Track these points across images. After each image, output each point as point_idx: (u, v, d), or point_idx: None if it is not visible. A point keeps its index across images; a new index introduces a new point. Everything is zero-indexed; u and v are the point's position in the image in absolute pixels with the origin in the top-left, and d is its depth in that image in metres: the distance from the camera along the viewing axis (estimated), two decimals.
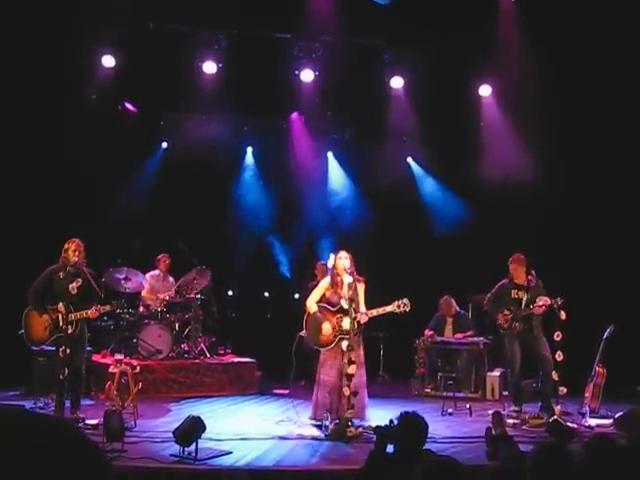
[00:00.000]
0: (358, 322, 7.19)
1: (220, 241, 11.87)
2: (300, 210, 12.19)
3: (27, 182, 10.06)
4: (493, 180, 10.61)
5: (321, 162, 12.74)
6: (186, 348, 9.98)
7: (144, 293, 10.05)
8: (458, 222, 11.40)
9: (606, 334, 8.25)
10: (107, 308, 7.28)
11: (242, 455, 6.02)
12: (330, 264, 7.55)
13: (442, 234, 11.53)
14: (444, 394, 9.31)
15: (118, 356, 8.34)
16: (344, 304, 7.06)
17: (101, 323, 9.41)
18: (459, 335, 10.11)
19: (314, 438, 6.82)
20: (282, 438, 6.80)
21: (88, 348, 8.03)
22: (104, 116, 10.74)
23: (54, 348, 7.35)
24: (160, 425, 7.15)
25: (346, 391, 6.75)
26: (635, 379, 8.32)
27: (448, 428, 7.39)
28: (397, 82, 11.30)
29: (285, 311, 11.65)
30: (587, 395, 8.14)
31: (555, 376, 7.51)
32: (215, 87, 10.83)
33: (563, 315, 7.46)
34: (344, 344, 6.91)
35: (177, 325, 9.89)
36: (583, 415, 7.71)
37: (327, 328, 7.28)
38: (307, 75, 11.07)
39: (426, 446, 4.38)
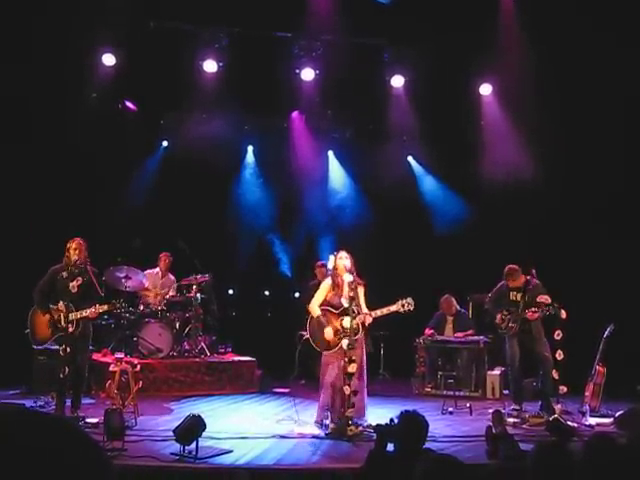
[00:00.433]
0: (363, 324, 7.18)
1: (220, 240, 11.87)
2: (300, 209, 12.19)
3: (28, 181, 10.06)
4: (493, 179, 10.61)
5: (321, 161, 12.74)
6: (186, 347, 9.98)
7: (143, 291, 10.04)
8: (458, 221, 11.41)
9: (606, 333, 8.25)
10: (105, 308, 7.25)
11: (242, 454, 6.02)
12: (330, 265, 7.54)
13: (442, 233, 11.53)
14: (444, 393, 9.31)
15: (118, 355, 8.34)
16: (344, 302, 7.06)
17: (102, 322, 9.40)
18: (459, 334, 10.11)
19: (314, 437, 6.83)
20: (282, 437, 6.80)
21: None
22: (105, 115, 10.74)
23: (58, 347, 7.34)
24: (160, 424, 7.15)
25: (347, 390, 6.75)
26: (635, 378, 8.33)
27: (448, 427, 7.40)
28: (398, 81, 11.30)
29: (285, 310, 11.66)
30: (587, 394, 8.14)
31: (555, 375, 7.52)
32: (216, 86, 10.83)
33: (563, 314, 7.47)
34: (344, 342, 6.90)
35: (177, 324, 9.89)
36: (583, 414, 7.71)
37: (329, 333, 7.26)
38: (308, 74, 11.07)
39: (426, 445, 4.39)
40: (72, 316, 7.13)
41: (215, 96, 10.86)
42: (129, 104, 11.35)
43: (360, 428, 6.88)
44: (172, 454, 5.81)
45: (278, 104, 11.44)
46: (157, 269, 10.37)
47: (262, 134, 12.30)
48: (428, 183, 12.51)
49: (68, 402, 7.27)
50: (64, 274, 7.22)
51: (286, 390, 9.64)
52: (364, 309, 7.30)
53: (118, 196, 10.91)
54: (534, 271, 8.24)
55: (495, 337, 9.39)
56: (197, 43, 10.55)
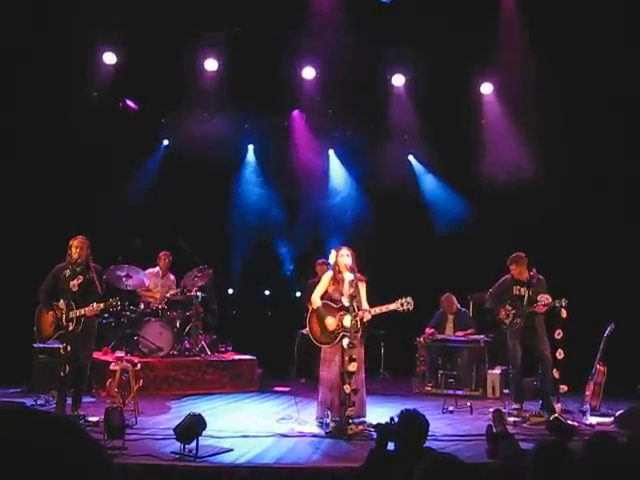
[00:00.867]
0: (361, 320, 7.18)
1: (221, 239, 11.88)
2: (301, 208, 12.18)
3: (28, 180, 10.07)
4: (494, 178, 10.61)
5: (322, 160, 12.73)
6: (187, 345, 9.97)
7: (141, 290, 10.04)
8: (459, 220, 11.41)
9: (607, 332, 8.26)
10: (101, 306, 7.24)
11: (243, 452, 6.03)
12: (331, 260, 7.53)
13: (443, 232, 11.53)
14: (445, 392, 9.31)
15: (119, 353, 8.36)
16: (345, 301, 7.06)
17: (102, 320, 9.40)
18: (460, 333, 10.11)
19: (315, 436, 6.83)
20: (283, 435, 6.81)
21: None
22: (105, 113, 10.74)
23: (59, 345, 7.34)
24: (161, 422, 7.16)
25: (347, 389, 6.75)
26: (635, 377, 8.33)
27: (449, 426, 7.40)
28: (398, 80, 11.30)
29: (286, 309, 11.66)
30: (588, 393, 8.14)
31: (556, 374, 7.52)
32: (216, 85, 10.83)
33: (564, 313, 7.47)
34: (345, 341, 6.90)
35: (178, 322, 9.88)
36: (584, 413, 7.71)
37: (331, 322, 7.26)
38: (308, 73, 11.07)
39: (427, 444, 4.39)
40: (72, 314, 7.13)
41: (216, 95, 10.86)
42: (130, 103, 11.35)
43: (360, 427, 6.88)
44: (172, 453, 5.82)
45: (279, 103, 11.43)
46: (157, 268, 10.37)
47: (263, 133, 12.30)
48: (429, 182, 12.51)
49: (68, 401, 7.27)
50: (67, 272, 7.22)
51: (286, 389, 9.65)
52: (365, 305, 7.30)
53: (119, 195, 10.91)
54: (534, 270, 8.24)
55: (496, 336, 9.39)
56: (198, 42, 10.55)
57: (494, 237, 10.37)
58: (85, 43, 9.98)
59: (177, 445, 5.83)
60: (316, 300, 7.50)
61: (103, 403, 7.33)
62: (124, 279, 9.41)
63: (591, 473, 3.17)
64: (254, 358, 10.16)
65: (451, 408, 8.28)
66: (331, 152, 12.84)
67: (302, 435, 6.87)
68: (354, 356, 6.83)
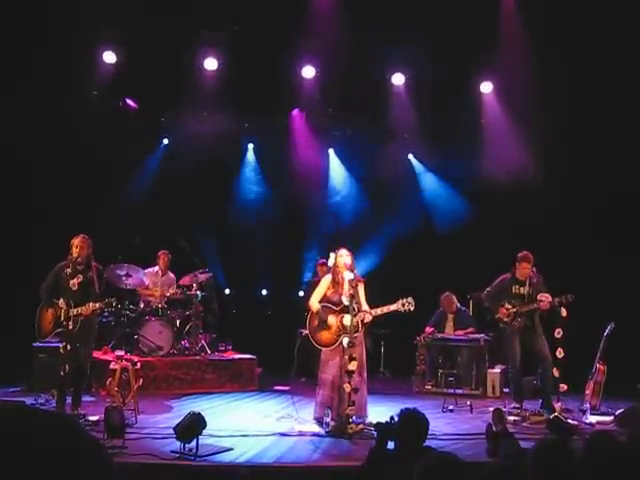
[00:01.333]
0: (362, 321, 7.18)
1: (221, 237, 11.88)
2: (301, 207, 12.18)
3: (29, 179, 10.07)
4: (494, 177, 10.60)
5: (322, 159, 12.73)
6: (187, 345, 9.97)
7: (140, 289, 10.05)
8: (459, 219, 11.40)
9: (607, 331, 8.26)
10: (97, 306, 7.23)
11: (243, 451, 6.03)
12: (331, 263, 7.53)
13: (443, 231, 11.53)
14: (445, 391, 9.30)
15: (119, 352, 8.36)
16: (345, 300, 7.06)
17: (102, 319, 9.39)
18: (460, 332, 10.11)
19: (315, 435, 6.83)
20: (283, 435, 6.80)
21: None
22: (105, 113, 10.74)
23: (59, 343, 7.34)
24: (161, 421, 7.16)
25: (347, 388, 6.75)
26: (636, 376, 8.33)
27: (449, 425, 7.40)
28: (398, 79, 11.29)
29: (286, 308, 11.66)
30: (588, 392, 8.14)
31: (556, 373, 7.53)
32: (216, 84, 10.82)
33: (564, 312, 7.47)
34: (345, 341, 6.91)
35: (178, 322, 9.88)
36: (584, 412, 7.71)
37: (332, 321, 7.25)
38: (308, 72, 11.07)
39: (427, 443, 4.39)
40: (70, 313, 7.13)
41: (215, 94, 10.84)
42: (130, 102, 11.35)
43: (360, 426, 6.89)
44: (172, 452, 5.82)
45: (279, 102, 11.42)
46: (157, 267, 10.36)
47: (262, 132, 12.29)
48: (428, 181, 12.51)
49: (68, 400, 7.27)
50: (68, 271, 7.22)
51: (286, 388, 9.64)
52: (364, 306, 7.30)
53: (119, 194, 10.91)
54: (534, 269, 8.25)
55: (496, 335, 9.39)
56: (198, 41, 10.54)
57: (494, 236, 10.37)
58: (85, 42, 9.98)
59: (177, 444, 5.83)
60: (314, 304, 7.50)
61: (103, 402, 7.33)
62: (124, 278, 9.41)
63: (591, 472, 3.17)
64: (254, 357, 10.16)
65: (451, 407, 8.28)
66: (331, 151, 12.85)
67: (302, 434, 6.86)
68: (354, 355, 6.83)
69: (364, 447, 5.40)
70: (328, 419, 6.94)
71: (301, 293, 11.65)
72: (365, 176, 12.26)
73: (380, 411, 7.23)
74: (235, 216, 12.33)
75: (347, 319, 6.94)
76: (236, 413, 8.02)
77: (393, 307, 7.12)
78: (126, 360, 7.82)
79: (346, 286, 7.19)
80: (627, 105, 9.77)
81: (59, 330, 7.25)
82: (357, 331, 7.09)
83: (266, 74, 10.35)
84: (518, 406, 8.11)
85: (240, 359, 10.15)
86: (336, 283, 7.41)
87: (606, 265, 9.91)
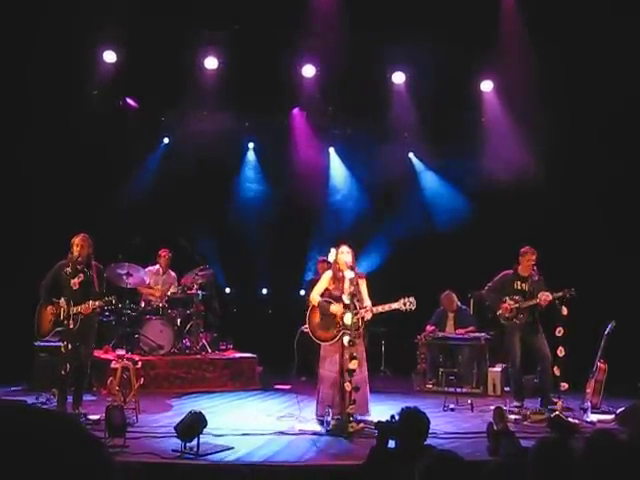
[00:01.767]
0: (362, 318, 7.18)
1: (221, 237, 11.88)
2: (302, 206, 12.17)
3: (29, 178, 10.07)
4: (494, 176, 10.59)
5: (323, 158, 12.73)
6: (188, 343, 9.98)
7: (141, 288, 10.05)
8: (459, 218, 11.40)
9: (607, 330, 8.26)
10: (96, 304, 7.24)
11: (243, 450, 6.02)
12: (331, 259, 7.52)
13: (443, 230, 11.53)
14: (445, 390, 9.30)
15: (120, 351, 8.37)
16: (345, 299, 7.05)
17: (103, 319, 9.41)
18: (460, 330, 10.11)
19: (316, 433, 6.83)
20: (284, 433, 6.80)
21: None
22: (106, 112, 10.74)
23: (59, 343, 7.34)
24: (162, 420, 7.16)
25: (347, 386, 6.75)
26: (636, 375, 8.33)
27: (449, 423, 7.40)
28: (399, 78, 11.29)
29: (286, 306, 11.66)
30: (588, 391, 8.14)
31: (557, 371, 7.52)
32: (216, 83, 10.82)
33: (564, 311, 7.47)
34: (345, 339, 6.90)
35: (179, 321, 9.89)
36: (584, 411, 7.71)
37: (336, 308, 7.23)
38: (308, 70, 11.06)
39: (427, 441, 4.39)
40: (71, 311, 7.13)
41: (216, 93, 10.84)
42: (130, 101, 11.35)
43: (361, 425, 6.88)
44: (173, 451, 5.82)
45: (279, 101, 11.42)
46: (157, 266, 10.37)
47: (263, 131, 12.30)
48: (429, 180, 12.51)
49: (69, 399, 7.28)
50: (68, 270, 7.22)
51: (287, 387, 9.65)
52: (367, 302, 7.30)
53: (119, 193, 10.91)
54: (535, 268, 8.25)
55: (496, 334, 9.39)
56: (198, 40, 10.54)
57: (494, 235, 10.37)
58: (85, 42, 9.97)
59: (178, 443, 5.83)
60: (315, 297, 7.51)
61: (104, 401, 7.32)
62: (124, 277, 9.41)
63: (592, 471, 3.17)
64: (255, 356, 10.17)
65: (452, 406, 8.28)
66: (331, 150, 12.85)
67: (303, 433, 6.86)
68: (355, 354, 6.83)
69: (365, 446, 5.40)
70: (329, 418, 6.94)
71: (302, 292, 11.64)
72: (366, 175, 12.26)
73: (381, 410, 7.22)
74: (235, 215, 12.34)
75: (348, 317, 6.93)
76: (237, 412, 8.02)
77: (395, 305, 7.11)
78: (127, 359, 7.83)
79: (347, 284, 7.19)
80: (627, 103, 9.76)
81: (59, 329, 7.26)
82: (357, 329, 7.08)
83: (266, 73, 10.34)
84: (519, 405, 8.11)
85: (241, 358, 10.15)
86: (337, 280, 7.41)
87: (607, 264, 9.91)
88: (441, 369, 9.82)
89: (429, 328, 10.19)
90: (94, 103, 10.60)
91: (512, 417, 7.54)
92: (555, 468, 3.15)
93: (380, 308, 7.23)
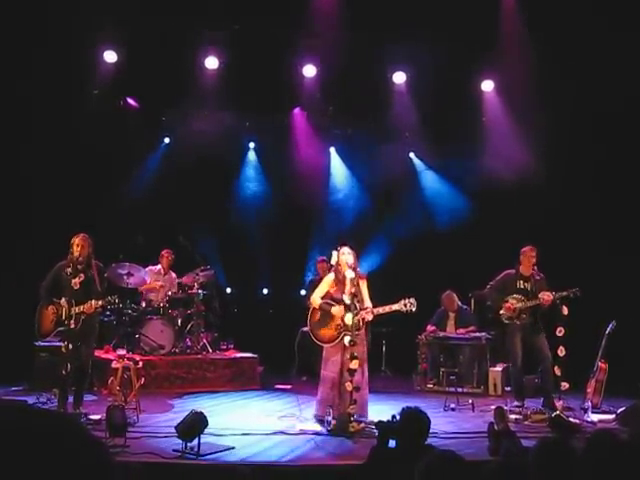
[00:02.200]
0: (363, 319, 7.18)
1: (222, 236, 11.88)
2: (302, 205, 12.17)
3: (30, 178, 10.08)
4: (495, 175, 10.59)
5: (323, 157, 12.73)
6: (188, 343, 9.98)
7: (142, 287, 10.05)
8: (460, 217, 11.40)
9: (608, 330, 8.25)
10: (99, 303, 7.24)
11: (244, 450, 6.03)
12: (333, 260, 7.53)
13: (444, 229, 11.53)
14: (446, 389, 9.32)
15: (120, 351, 8.36)
16: (346, 299, 7.05)
17: (104, 319, 9.41)
18: (461, 330, 10.11)
19: (316, 433, 6.83)
20: (284, 433, 6.80)
21: None
22: (106, 112, 10.74)
23: (60, 343, 7.34)
24: (162, 420, 7.16)
25: (348, 386, 6.75)
26: (637, 374, 8.32)
27: (450, 423, 7.40)
28: (399, 77, 11.29)
29: (287, 306, 11.66)
30: (589, 390, 8.14)
31: (557, 371, 7.52)
32: (217, 82, 10.82)
33: (565, 310, 7.47)
34: (346, 339, 6.90)
35: (179, 320, 9.89)
36: (585, 410, 7.71)
37: (337, 310, 7.23)
38: (309, 70, 11.06)
39: (428, 441, 4.39)
40: (72, 311, 7.13)
41: (216, 93, 10.85)
42: (131, 101, 11.35)
43: (362, 425, 6.88)
44: (174, 451, 5.81)
45: (280, 101, 11.42)
46: (159, 266, 10.37)
47: (263, 131, 12.30)
48: (430, 179, 12.51)
49: (70, 399, 7.28)
50: (68, 270, 7.22)
51: (288, 386, 9.66)
52: (368, 302, 7.30)
53: (120, 193, 10.92)
54: (536, 268, 8.25)
55: (497, 333, 9.38)
56: (198, 40, 10.54)
57: (495, 235, 10.37)
58: (86, 42, 9.97)
59: (179, 443, 5.83)
60: (316, 299, 7.51)
61: (105, 401, 7.33)
62: (125, 277, 9.42)
63: (593, 470, 3.17)
64: (255, 356, 10.16)
65: (453, 405, 8.27)
66: (332, 150, 12.86)
67: (304, 433, 6.86)
68: (355, 354, 6.82)
69: (366, 446, 5.41)
70: (329, 418, 6.94)
71: (303, 292, 11.64)
72: (366, 175, 12.27)
73: (381, 410, 7.22)
74: (236, 215, 12.34)
75: (349, 317, 6.93)
76: (238, 412, 8.02)
77: (395, 307, 7.11)
78: (128, 359, 7.83)
79: (348, 285, 7.18)
80: (627, 103, 9.76)
81: (60, 329, 7.26)
82: (358, 329, 7.08)
83: (267, 73, 10.34)
84: (520, 404, 8.11)
85: (242, 358, 10.15)
86: (339, 281, 7.40)
87: (607, 264, 9.91)
88: (442, 369, 9.82)
89: (430, 328, 10.19)
90: (95, 103, 10.60)
91: (513, 417, 7.53)
92: (556, 468, 3.15)
93: (381, 309, 7.23)
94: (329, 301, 7.40)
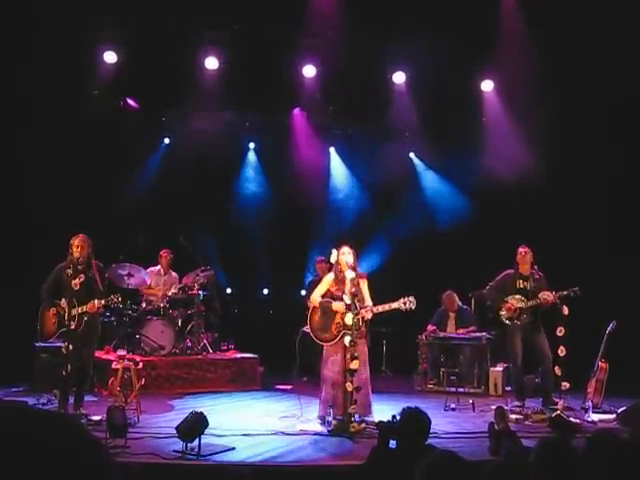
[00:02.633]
0: (363, 318, 7.18)
1: (222, 237, 11.88)
2: (302, 206, 12.17)
3: (30, 178, 10.08)
4: (495, 175, 10.59)
5: (323, 158, 12.73)
6: (189, 344, 9.98)
7: (142, 288, 10.05)
8: (460, 217, 11.40)
9: (609, 329, 8.25)
10: (102, 302, 7.24)
11: (245, 451, 6.03)
12: (333, 260, 7.52)
13: (444, 229, 11.52)
14: (447, 389, 9.31)
15: (121, 352, 8.35)
16: (346, 299, 7.04)
17: (104, 319, 9.40)
18: (461, 330, 10.11)
19: (317, 434, 6.83)
20: (285, 434, 6.80)
21: None
22: (106, 112, 10.74)
23: (61, 344, 7.34)
24: (163, 421, 7.16)
25: (349, 386, 6.75)
26: (637, 374, 8.32)
27: (451, 423, 7.39)
28: (399, 77, 11.29)
29: (287, 307, 11.66)
30: (590, 390, 8.14)
31: (558, 371, 7.52)
32: (217, 83, 10.82)
33: (566, 310, 7.47)
34: (347, 339, 6.90)
35: (180, 321, 9.89)
36: (586, 410, 7.70)
37: (338, 305, 7.22)
38: (309, 70, 11.06)
39: (428, 441, 4.39)
40: (74, 312, 7.13)
41: (217, 93, 10.85)
42: (131, 102, 11.35)
43: (363, 425, 6.88)
44: (175, 451, 5.82)
45: (280, 101, 11.43)
46: (158, 266, 10.36)
47: (263, 131, 12.30)
48: (430, 179, 12.51)
49: (71, 400, 7.28)
50: (69, 271, 7.22)
51: (289, 387, 9.65)
52: (368, 302, 7.30)
53: (120, 194, 10.91)
54: (535, 267, 8.26)
55: (497, 333, 9.38)
56: (199, 40, 10.54)
57: (495, 235, 10.36)
58: (86, 42, 9.97)
59: (179, 444, 5.83)
60: (316, 298, 7.51)
61: (105, 402, 7.33)
62: (126, 278, 9.42)
63: (593, 470, 3.17)
64: (256, 356, 10.16)
65: (453, 405, 8.27)
66: (332, 150, 12.85)
67: (304, 433, 6.86)
68: (356, 354, 6.82)
69: (366, 446, 5.40)
70: (330, 418, 6.94)
71: (303, 292, 11.64)
72: (366, 175, 12.26)
73: (382, 410, 7.22)
74: (236, 215, 12.34)
75: (349, 317, 6.92)
76: (238, 412, 8.02)
77: (395, 305, 7.12)
78: (128, 360, 7.83)
79: (348, 285, 7.18)
80: (628, 102, 9.76)
81: (63, 330, 7.26)
82: (358, 329, 7.08)
83: (267, 73, 10.34)
84: (520, 404, 8.11)
85: (242, 358, 10.15)
86: (339, 280, 7.40)
87: (608, 264, 9.91)
88: (442, 369, 9.82)
89: (430, 328, 10.18)
90: (95, 103, 10.60)
91: (513, 417, 7.53)
92: (556, 468, 3.15)
93: (380, 308, 7.23)
94: (329, 300, 7.40)
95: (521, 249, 8.33)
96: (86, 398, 7.56)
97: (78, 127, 10.05)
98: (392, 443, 4.47)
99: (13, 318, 8.96)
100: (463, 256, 10.67)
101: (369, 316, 7.22)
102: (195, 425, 5.83)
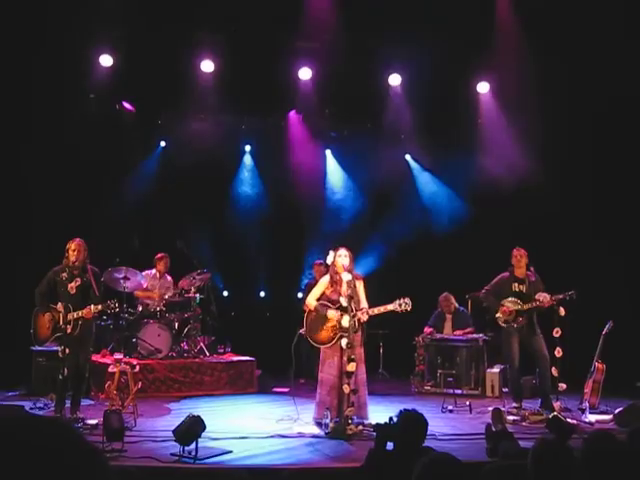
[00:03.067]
0: (359, 320, 7.17)
1: (218, 240, 11.87)
2: (299, 208, 12.17)
3: (26, 182, 10.07)
4: (492, 177, 10.60)
5: (319, 160, 12.74)
6: (185, 347, 9.97)
7: (137, 292, 10.03)
8: (457, 219, 11.41)
9: (605, 330, 8.26)
10: (99, 307, 7.23)
11: (242, 454, 6.02)
12: (329, 261, 7.52)
13: (441, 231, 11.53)
14: (444, 391, 9.31)
15: (117, 355, 8.34)
16: (343, 302, 7.05)
17: (101, 323, 9.39)
18: (458, 332, 10.11)
19: (314, 436, 6.82)
20: (282, 436, 6.80)
21: None
22: (102, 115, 10.73)
23: (58, 348, 7.33)
24: (160, 424, 7.14)
25: (346, 389, 6.75)
26: (634, 375, 8.34)
27: (448, 425, 7.39)
28: (395, 79, 11.30)
29: (284, 310, 11.65)
30: (587, 391, 8.14)
31: (555, 372, 7.53)
32: (213, 86, 10.83)
33: (562, 311, 7.48)
34: (343, 342, 6.90)
35: (176, 324, 9.88)
36: (583, 411, 7.72)
37: (332, 314, 7.22)
38: (305, 73, 11.07)
39: (426, 443, 4.39)
40: (70, 317, 7.12)
41: (212, 96, 10.85)
42: (127, 105, 11.34)
43: (360, 427, 6.88)
44: (172, 455, 5.81)
45: (275, 104, 11.43)
46: (154, 270, 10.33)
47: (259, 134, 12.30)
48: (426, 182, 12.51)
49: (67, 403, 7.26)
50: (64, 275, 7.21)
51: (285, 390, 9.64)
52: (364, 304, 7.30)
53: (116, 197, 10.90)
54: (532, 268, 8.26)
55: (494, 335, 9.39)
56: (195, 43, 10.55)
57: (492, 236, 10.36)
58: (82, 45, 9.97)
59: (176, 447, 5.82)
60: (311, 302, 7.49)
61: (102, 406, 7.33)
62: (122, 281, 9.39)
63: (590, 471, 3.17)
64: (253, 359, 10.15)
65: (450, 407, 8.28)
66: (328, 152, 12.85)
67: (301, 436, 6.86)
68: (353, 356, 6.82)
69: (363, 448, 5.40)
70: (327, 420, 6.93)
71: (300, 295, 11.64)
72: (362, 177, 12.26)
73: (379, 412, 7.21)
74: (232, 218, 12.32)
75: (345, 320, 6.92)
76: (235, 415, 8.01)
77: (390, 307, 7.11)
78: (125, 363, 7.82)
79: (344, 287, 7.18)
80: (625, 104, 9.77)
81: (58, 335, 7.24)
82: (355, 331, 7.08)
83: (263, 76, 10.35)
84: (517, 406, 8.11)
85: (239, 361, 10.13)
86: (334, 282, 7.40)
87: (604, 264, 9.92)
88: (439, 371, 9.82)
89: (427, 330, 10.18)
90: (91, 107, 10.60)
91: (510, 418, 7.54)
92: (554, 469, 3.14)
93: (376, 310, 7.23)
94: (325, 302, 7.39)
95: (516, 252, 8.33)
96: (83, 402, 7.55)
97: (74, 130, 10.03)
98: (389, 445, 4.47)
99: (10, 322, 8.94)
100: (459, 257, 10.68)
101: (364, 318, 7.21)
102: (192, 428, 5.82)
